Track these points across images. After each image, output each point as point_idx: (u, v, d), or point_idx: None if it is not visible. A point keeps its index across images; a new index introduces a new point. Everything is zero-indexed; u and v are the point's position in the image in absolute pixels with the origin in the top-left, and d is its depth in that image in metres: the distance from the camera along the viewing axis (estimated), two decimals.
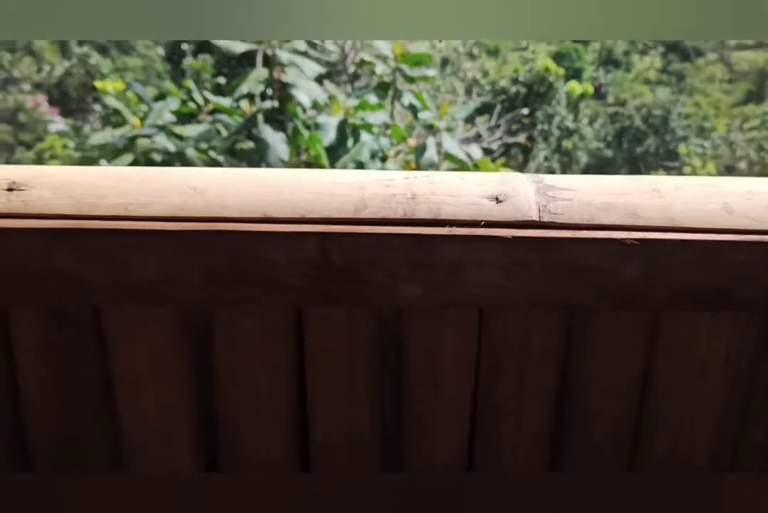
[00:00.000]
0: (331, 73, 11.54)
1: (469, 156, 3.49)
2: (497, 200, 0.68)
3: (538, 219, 0.67)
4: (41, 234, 0.66)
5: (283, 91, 3.20)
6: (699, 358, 0.80)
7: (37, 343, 0.77)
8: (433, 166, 3.49)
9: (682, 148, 23.09)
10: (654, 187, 0.71)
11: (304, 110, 3.28)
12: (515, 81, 19.39)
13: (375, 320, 0.76)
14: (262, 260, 0.67)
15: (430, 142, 3.27)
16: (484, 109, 17.40)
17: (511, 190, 0.69)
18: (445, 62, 13.40)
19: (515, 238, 0.66)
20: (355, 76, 10.93)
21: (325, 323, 0.76)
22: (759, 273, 0.69)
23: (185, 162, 3.17)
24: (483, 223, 0.67)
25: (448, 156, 3.31)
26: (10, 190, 0.66)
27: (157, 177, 0.70)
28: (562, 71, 19.85)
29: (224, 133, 3.55)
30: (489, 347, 0.78)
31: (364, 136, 3.28)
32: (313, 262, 0.67)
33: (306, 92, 3.05)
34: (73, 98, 27.96)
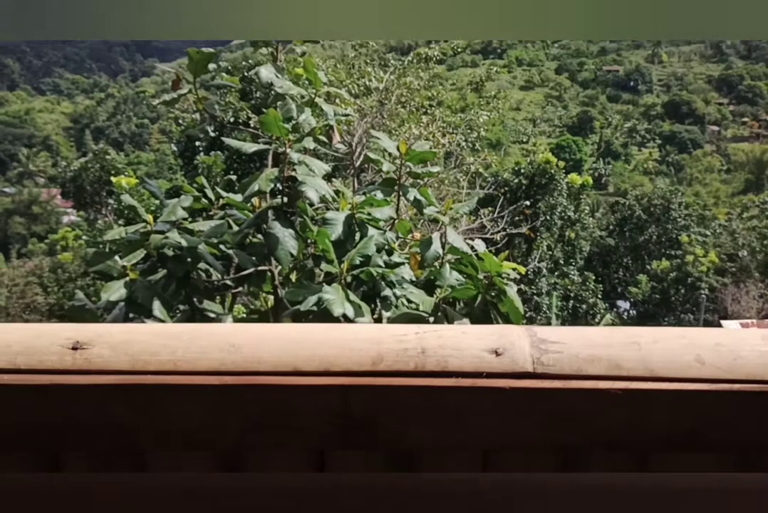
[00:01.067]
0: (339, 167, 11.94)
1: (473, 248, 3.56)
2: (496, 354, 0.77)
3: (532, 370, 0.76)
4: (100, 389, 0.75)
5: (292, 188, 3.31)
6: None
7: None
8: (438, 259, 3.55)
9: (683, 237, 23.38)
10: (634, 339, 0.80)
11: (312, 206, 3.38)
12: (517, 173, 19.94)
13: (390, 461, 0.85)
14: (291, 409, 0.77)
15: (435, 236, 3.34)
16: (488, 201, 17.80)
17: (508, 344, 0.78)
18: (448, 155, 13.88)
19: (513, 389, 0.75)
20: (361, 169, 11.29)
21: (343, 464, 0.84)
22: (729, 417, 0.78)
23: (196, 257, 3.24)
24: (485, 374, 0.76)
25: (453, 249, 3.37)
26: (74, 349, 0.76)
27: (202, 335, 0.80)
28: (562, 164, 20.45)
29: (235, 227, 3.64)
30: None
31: (371, 230, 3.35)
32: (336, 411, 0.76)
33: (314, 189, 3.15)
34: (87, 192, 28.83)
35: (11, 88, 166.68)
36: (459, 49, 18.14)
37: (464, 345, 0.78)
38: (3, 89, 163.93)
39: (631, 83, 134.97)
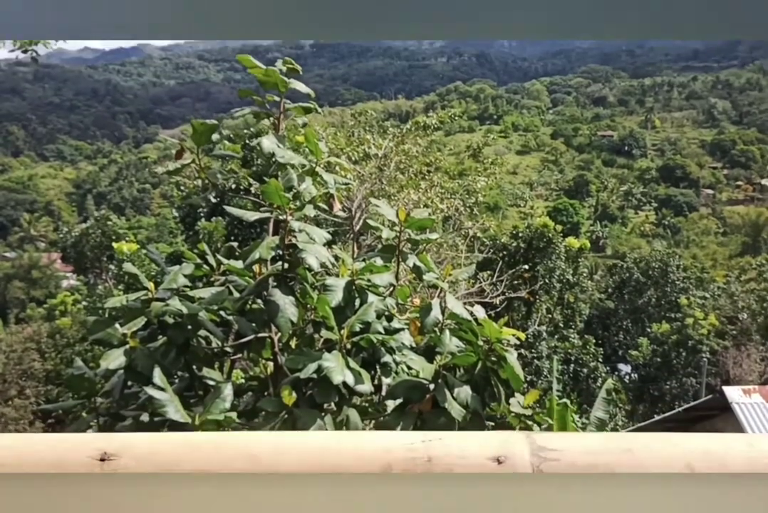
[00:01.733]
0: (338, 232, 12.05)
1: (472, 314, 3.57)
2: (498, 461, 0.81)
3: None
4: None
5: (292, 255, 3.35)
6: None
7: None
8: (438, 326, 3.56)
9: (683, 300, 23.38)
10: (628, 446, 0.84)
11: (311, 272, 3.41)
12: (515, 237, 20.13)
13: None
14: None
15: (435, 302, 3.36)
16: (486, 264, 17.90)
17: (509, 452, 0.82)
18: (446, 219, 14.05)
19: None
20: (360, 233, 11.39)
21: None
22: None
23: (197, 324, 3.25)
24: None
25: (453, 315, 3.39)
26: (102, 460, 0.79)
27: (223, 445, 0.85)
28: (560, 227, 20.65)
29: (235, 293, 3.67)
30: None
31: (371, 296, 3.38)
32: None
33: (314, 256, 3.19)
34: (88, 257, 29.07)
35: (15, 155, 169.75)
36: (456, 116, 18.58)
37: (468, 453, 0.82)
38: (7, 155, 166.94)
39: (626, 148, 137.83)
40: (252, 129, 13.69)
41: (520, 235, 20.09)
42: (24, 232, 79.20)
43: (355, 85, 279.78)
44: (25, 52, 6.12)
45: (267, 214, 3.58)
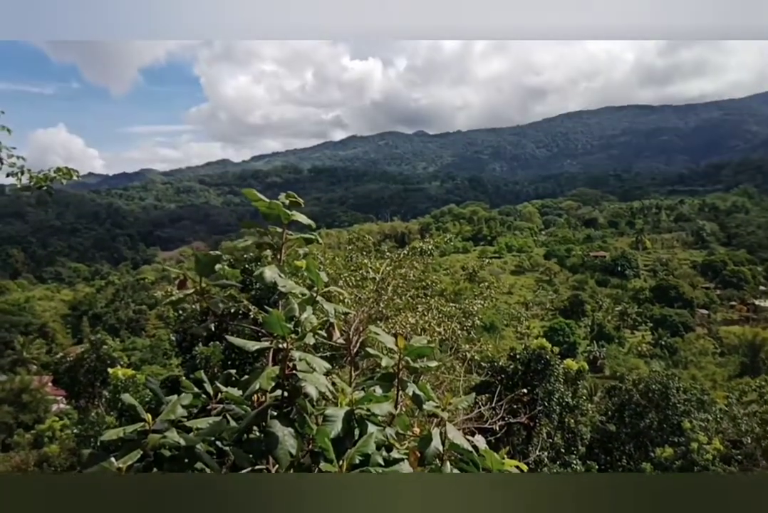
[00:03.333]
0: (336, 356, 11.99)
1: (473, 444, 3.54)
2: None
3: None
4: None
5: (292, 385, 3.36)
6: None
7: None
8: (438, 456, 3.52)
9: (685, 423, 22.87)
10: None
11: (311, 402, 3.41)
12: (513, 359, 20.04)
13: None
14: None
15: (435, 432, 3.34)
16: (484, 387, 17.67)
17: None
18: (442, 341, 14.03)
19: None
20: (356, 356, 11.34)
21: None
22: None
23: (193, 457, 3.21)
24: None
25: (454, 446, 3.35)
26: None
27: None
28: (557, 349, 20.59)
29: (232, 422, 3.63)
30: None
31: (370, 426, 3.35)
32: None
33: (314, 386, 3.20)
34: (81, 382, 28.64)
35: (14, 277, 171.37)
36: (451, 241, 19.03)
37: None
38: (6, 278, 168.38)
39: (618, 268, 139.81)
40: (251, 253, 14.00)
41: (518, 356, 19.99)
42: (17, 354, 78.30)
43: (351, 208, 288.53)
44: (39, 188, 6.38)
45: (268, 344, 3.62)
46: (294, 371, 3.47)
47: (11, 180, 6.29)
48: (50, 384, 54.97)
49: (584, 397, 22.31)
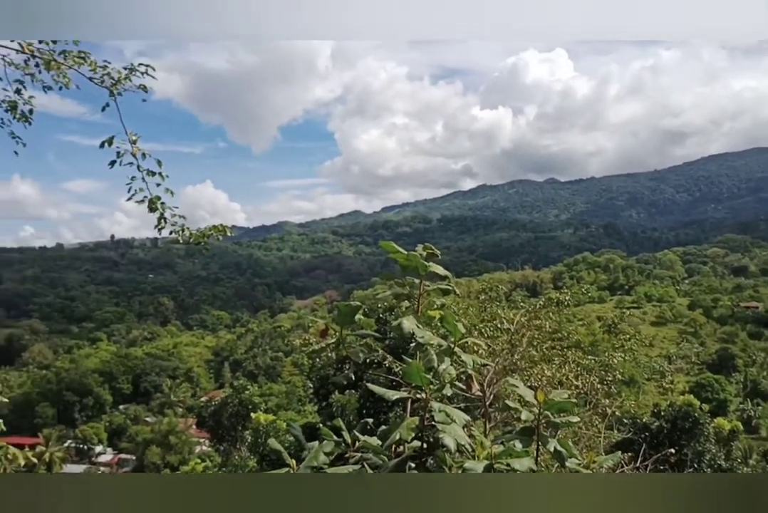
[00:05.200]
0: (470, 408, 11.82)
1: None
2: None
3: None
4: None
5: (431, 436, 3.36)
6: None
7: None
8: None
9: None
10: None
11: (449, 454, 3.39)
12: (657, 416, 18.88)
13: None
14: None
15: None
16: (626, 445, 16.70)
17: None
18: (579, 394, 13.48)
19: None
20: (491, 406, 11.12)
21: None
22: None
23: None
24: None
25: None
26: None
27: None
28: (706, 407, 19.25)
29: (370, 471, 3.67)
30: None
31: None
32: None
33: (453, 438, 3.19)
34: (224, 425, 29.80)
35: (164, 324, 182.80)
36: (588, 292, 18.33)
37: None
38: (157, 324, 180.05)
39: None
40: (386, 303, 14.22)
41: (663, 413, 18.83)
42: (165, 397, 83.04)
43: (481, 257, 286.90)
44: (197, 244, 6.87)
45: (407, 394, 3.66)
46: (433, 422, 3.48)
47: (164, 233, 6.81)
48: (194, 426, 57.55)
49: (739, 460, 20.58)
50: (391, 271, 4.52)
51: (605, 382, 13.42)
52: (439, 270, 4.22)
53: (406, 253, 4.11)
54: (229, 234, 7.09)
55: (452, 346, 4.00)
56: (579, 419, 3.85)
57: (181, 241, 6.67)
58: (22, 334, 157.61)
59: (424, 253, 4.19)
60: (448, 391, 3.74)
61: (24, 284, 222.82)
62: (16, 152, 6.87)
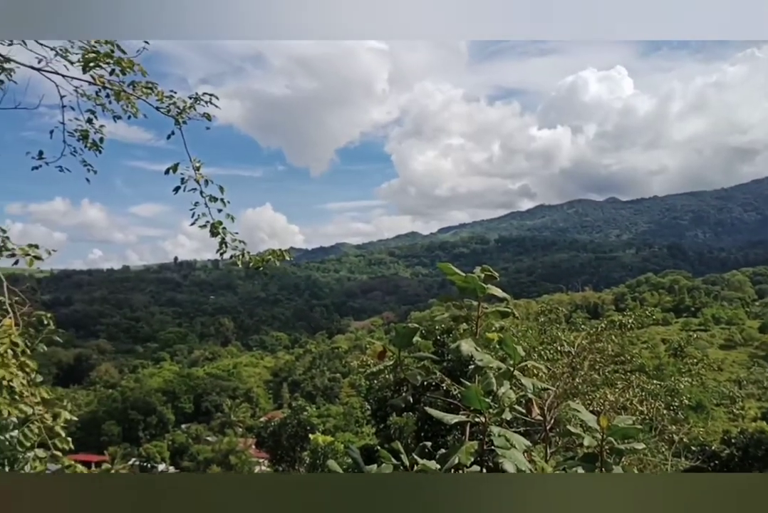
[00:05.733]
0: (529, 432, 11.61)
1: None
2: None
3: None
4: None
5: (490, 461, 3.32)
6: None
7: None
8: None
9: None
10: None
11: None
12: (727, 443, 18.13)
13: None
14: None
15: None
16: (695, 473, 16.06)
17: None
18: (644, 419, 13.08)
19: None
20: (551, 430, 10.90)
21: None
22: None
23: None
24: None
25: None
26: None
27: None
28: None
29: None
30: None
31: None
32: None
33: (513, 463, 3.14)
34: (283, 446, 29.96)
35: (224, 344, 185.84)
36: (653, 314, 17.79)
37: None
38: (218, 345, 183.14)
39: None
40: (443, 325, 14.14)
41: (734, 441, 18.07)
42: (225, 417, 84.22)
43: (540, 278, 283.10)
44: (257, 269, 7.02)
45: (466, 418, 3.62)
46: (492, 447, 3.43)
47: (225, 256, 6.98)
48: (253, 446, 58.10)
49: None
50: (448, 293, 4.51)
51: (672, 408, 12.96)
52: (498, 292, 4.19)
53: (464, 275, 4.09)
54: (287, 258, 7.22)
55: (512, 369, 3.95)
56: (644, 446, 3.74)
57: (240, 266, 6.82)
58: (90, 354, 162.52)
59: (482, 275, 4.16)
60: (507, 416, 3.69)
61: (92, 305, 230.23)
62: (88, 180, 7.17)
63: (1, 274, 4.99)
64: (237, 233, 6.82)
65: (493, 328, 4.56)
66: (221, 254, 6.88)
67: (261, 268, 7.02)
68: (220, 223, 6.70)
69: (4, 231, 5.35)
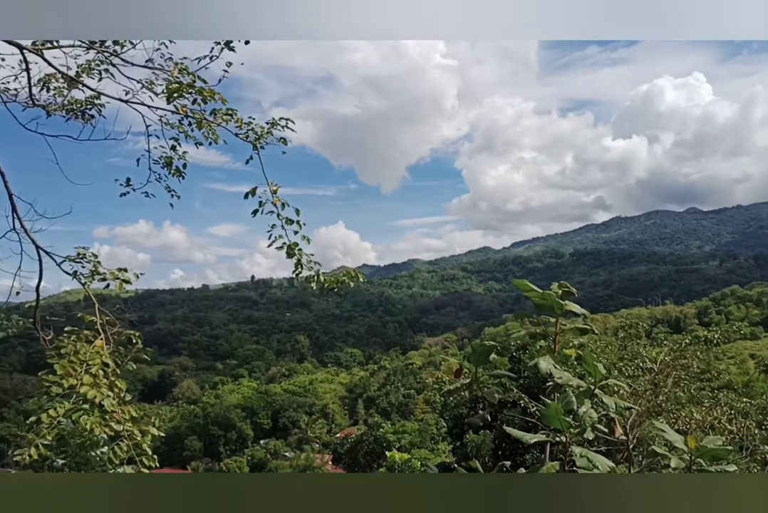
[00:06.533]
0: (611, 451, 11.28)
1: None
2: None
3: None
4: None
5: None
6: None
7: None
8: None
9: None
10: None
11: None
12: None
13: None
14: None
15: None
16: None
17: None
18: (733, 439, 12.50)
19: None
20: (634, 450, 10.57)
21: None
22: None
23: None
24: None
25: None
26: None
27: None
28: None
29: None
30: None
31: None
32: None
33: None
34: (360, 462, 30.08)
35: (300, 361, 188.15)
36: (741, 329, 16.95)
37: None
38: (294, 361, 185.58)
39: None
40: (519, 341, 13.94)
41: None
42: (302, 433, 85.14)
43: (617, 291, 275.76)
44: (331, 289, 7.17)
45: (546, 438, 3.57)
46: (574, 468, 3.37)
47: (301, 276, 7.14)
48: (330, 462, 58.42)
49: None
50: (523, 308, 4.46)
51: (763, 427, 12.33)
52: (576, 308, 4.13)
53: (540, 291, 4.05)
54: (361, 280, 7.34)
55: (593, 387, 3.88)
56: (735, 468, 3.58)
57: (314, 288, 6.95)
58: (172, 371, 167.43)
59: (560, 292, 4.11)
60: (589, 435, 3.62)
61: (174, 323, 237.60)
62: (171, 205, 7.49)
63: (93, 297, 5.27)
64: (312, 255, 6.97)
65: (571, 345, 4.48)
66: (297, 275, 7.04)
67: (336, 289, 7.15)
68: (296, 244, 6.86)
69: (95, 256, 5.64)
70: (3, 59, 6.60)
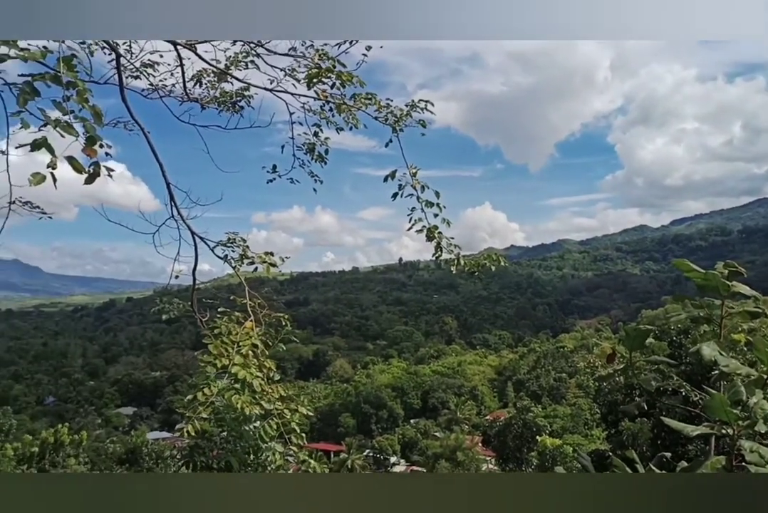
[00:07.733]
0: None
1: None
2: None
3: None
4: None
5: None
6: None
7: None
8: None
9: None
10: None
11: None
12: None
13: None
14: None
15: None
16: None
17: None
18: None
19: None
20: None
21: None
22: None
23: None
24: None
25: None
26: None
27: None
28: None
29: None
30: None
31: None
32: None
33: None
34: (509, 446, 29.85)
35: (448, 342, 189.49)
36: None
37: None
38: (442, 343, 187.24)
39: None
40: (679, 326, 13.12)
41: None
42: (452, 414, 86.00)
43: None
44: (472, 273, 7.08)
45: (709, 430, 3.29)
46: (743, 463, 3.09)
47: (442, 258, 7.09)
48: (480, 444, 58.54)
49: None
50: (684, 290, 4.15)
51: None
52: (745, 290, 3.78)
53: (703, 272, 3.74)
54: (502, 263, 7.18)
55: (765, 376, 3.53)
56: None
57: (454, 271, 6.89)
58: (326, 350, 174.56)
59: (726, 272, 3.78)
60: (761, 428, 3.30)
61: (327, 305, 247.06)
62: (315, 190, 7.69)
63: (243, 279, 5.51)
64: (453, 238, 6.89)
65: (740, 329, 4.12)
66: (437, 258, 7.00)
67: (476, 273, 7.04)
68: (436, 227, 6.80)
69: (244, 240, 5.90)
70: (161, 56, 7.02)
